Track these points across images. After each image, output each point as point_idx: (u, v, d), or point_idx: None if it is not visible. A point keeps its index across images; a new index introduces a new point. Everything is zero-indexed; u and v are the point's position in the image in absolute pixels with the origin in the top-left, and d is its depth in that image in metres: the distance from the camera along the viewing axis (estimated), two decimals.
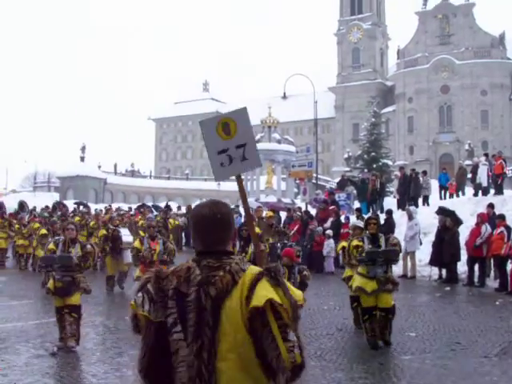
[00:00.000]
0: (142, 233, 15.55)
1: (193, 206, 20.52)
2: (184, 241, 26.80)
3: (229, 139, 3.75)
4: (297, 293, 2.95)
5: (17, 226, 22.14)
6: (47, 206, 28.91)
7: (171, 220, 22.31)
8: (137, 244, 11.78)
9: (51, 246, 9.96)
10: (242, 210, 27.63)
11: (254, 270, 2.77)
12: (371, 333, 9.28)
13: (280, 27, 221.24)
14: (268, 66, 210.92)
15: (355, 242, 9.99)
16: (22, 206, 28.58)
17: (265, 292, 2.63)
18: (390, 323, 9.43)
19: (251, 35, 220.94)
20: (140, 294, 2.82)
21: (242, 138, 3.75)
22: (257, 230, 13.79)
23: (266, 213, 16.92)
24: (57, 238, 10.64)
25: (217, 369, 2.66)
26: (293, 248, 10.57)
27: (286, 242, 13.26)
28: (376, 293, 9.20)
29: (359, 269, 9.58)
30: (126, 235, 16.43)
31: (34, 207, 28.77)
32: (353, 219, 16.78)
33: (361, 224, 10.99)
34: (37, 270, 12.04)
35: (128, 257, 14.61)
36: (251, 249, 11.07)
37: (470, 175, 27.77)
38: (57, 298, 9.44)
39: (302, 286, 9.45)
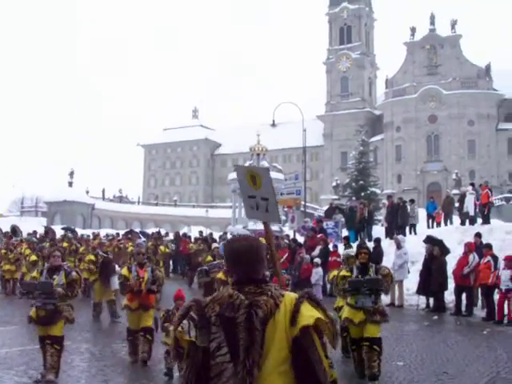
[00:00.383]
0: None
1: (181, 233, 20.21)
2: (171, 268, 26.71)
3: (256, 189, 4.32)
4: (332, 315, 3.18)
5: (3, 250, 21.92)
6: (35, 231, 28.68)
7: (161, 247, 21.97)
8: (124, 271, 10.98)
9: (35, 273, 9.70)
10: (229, 236, 27.77)
11: (292, 294, 3.12)
12: (359, 362, 9.24)
13: (270, 55, 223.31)
14: (257, 93, 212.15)
15: (343, 272, 9.83)
16: (14, 230, 28.31)
17: (311, 312, 2.98)
18: (378, 356, 9.02)
19: (241, 61, 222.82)
20: (185, 322, 3.08)
21: (264, 192, 4.29)
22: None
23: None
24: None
25: None
26: (282, 276, 10.38)
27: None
28: (363, 324, 9.09)
29: (348, 299, 9.46)
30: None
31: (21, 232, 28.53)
32: (343, 249, 16.51)
33: (354, 253, 10.75)
34: (18, 296, 11.65)
35: (115, 283, 14.34)
36: None
37: (457, 204, 27.90)
38: (39, 327, 9.13)
39: None
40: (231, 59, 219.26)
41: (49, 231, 29.00)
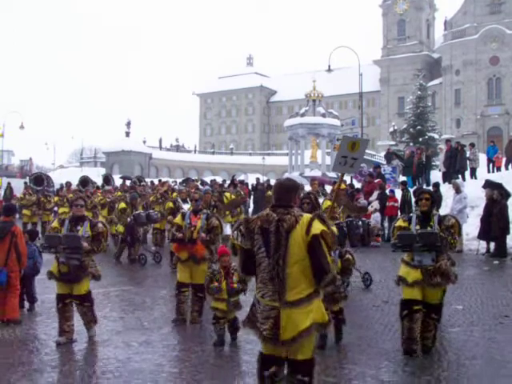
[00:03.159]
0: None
1: (238, 179, 20.23)
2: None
3: (351, 152, 5.96)
4: (334, 228, 5.34)
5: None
6: (108, 177, 29.27)
7: (227, 194, 21.04)
8: (178, 220, 9.89)
9: (55, 223, 8.61)
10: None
11: (308, 215, 4.78)
12: (408, 334, 7.47)
13: None
14: (313, 38, 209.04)
15: (399, 222, 7.92)
16: (107, 179, 29.09)
17: (319, 226, 4.65)
18: (434, 325, 7.66)
19: (295, 6, 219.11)
20: (235, 232, 5.42)
21: (357, 155, 5.94)
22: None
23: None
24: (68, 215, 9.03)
25: (286, 272, 4.66)
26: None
27: (363, 219, 12.93)
28: (419, 285, 7.46)
29: (405, 255, 7.81)
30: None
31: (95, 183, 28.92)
32: (401, 194, 15.29)
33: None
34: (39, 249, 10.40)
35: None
36: None
37: None
38: (61, 284, 8.26)
39: (345, 272, 8.42)
40: (286, 4, 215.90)
41: (110, 178, 29.47)
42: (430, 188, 19.70)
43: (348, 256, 8.44)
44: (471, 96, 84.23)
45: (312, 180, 19.07)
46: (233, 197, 20.48)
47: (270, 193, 18.31)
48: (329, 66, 43.51)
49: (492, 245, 17.16)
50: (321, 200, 14.77)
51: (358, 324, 9.22)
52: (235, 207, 19.05)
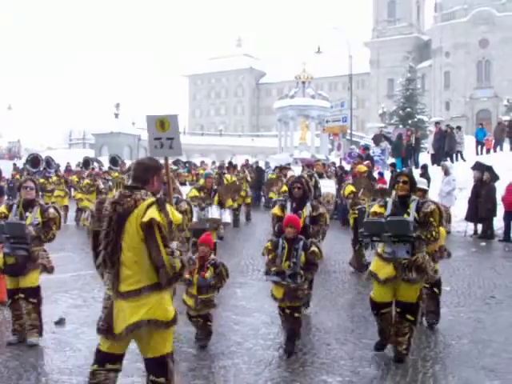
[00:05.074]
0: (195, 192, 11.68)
1: (226, 162, 19.81)
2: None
3: (163, 132, 5.46)
4: (176, 216, 4.67)
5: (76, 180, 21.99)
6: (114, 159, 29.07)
7: (227, 176, 20.32)
8: None
9: (2, 209, 7.61)
10: (272, 164, 27.37)
11: (150, 200, 4.35)
12: (381, 335, 6.83)
13: None
14: (303, 20, 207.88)
15: (375, 208, 6.92)
16: (116, 160, 28.87)
17: (151, 214, 4.24)
18: (410, 328, 6.65)
19: None
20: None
21: (171, 133, 5.44)
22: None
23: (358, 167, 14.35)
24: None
25: (120, 261, 4.36)
26: (297, 214, 7.96)
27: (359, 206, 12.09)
28: (392, 282, 6.55)
29: (379, 247, 6.77)
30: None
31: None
32: (389, 176, 13.86)
33: (423, 185, 8.21)
34: None
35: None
36: (306, 212, 8.19)
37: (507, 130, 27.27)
38: (8, 277, 7.40)
39: (310, 268, 7.07)
40: (264, 14, 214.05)
41: (88, 161, 29.07)
42: (418, 170, 19.77)
43: (314, 248, 7.04)
44: (460, 78, 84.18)
45: (316, 160, 18.82)
46: (233, 179, 19.91)
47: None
48: (318, 48, 43.51)
49: (479, 226, 17.28)
50: (323, 181, 14.44)
51: (346, 305, 9.32)
52: (234, 192, 18.41)
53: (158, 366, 4.44)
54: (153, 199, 4.34)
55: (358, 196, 12.25)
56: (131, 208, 4.31)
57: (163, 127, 5.46)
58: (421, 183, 8.12)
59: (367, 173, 13.54)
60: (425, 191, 8.10)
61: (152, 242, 4.24)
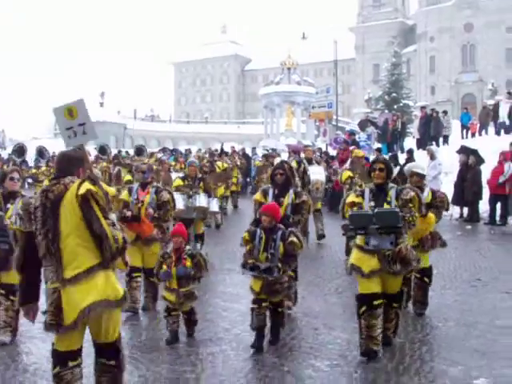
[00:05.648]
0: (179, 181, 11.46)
1: (213, 149, 19.24)
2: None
3: (73, 120, 5.19)
4: (109, 190, 4.77)
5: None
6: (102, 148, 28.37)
7: (219, 163, 19.50)
8: (124, 195, 8.60)
9: None
10: (260, 152, 27.29)
11: (80, 180, 4.23)
12: (367, 332, 6.17)
13: None
14: (288, 5, 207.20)
15: (351, 198, 6.56)
16: (41, 152, 28.35)
17: (86, 186, 4.12)
18: (396, 314, 6.58)
19: None
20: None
21: (81, 119, 5.17)
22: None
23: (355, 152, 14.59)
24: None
25: (60, 247, 4.18)
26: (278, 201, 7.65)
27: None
28: (377, 274, 6.19)
29: (357, 239, 6.36)
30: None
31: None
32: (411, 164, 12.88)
33: (420, 170, 8.08)
34: None
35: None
36: (288, 199, 7.87)
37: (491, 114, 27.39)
38: None
39: (288, 259, 6.66)
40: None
41: (43, 152, 28.70)
42: (404, 155, 19.80)
43: (292, 238, 6.54)
44: (445, 63, 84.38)
45: (305, 146, 18.72)
46: (225, 165, 19.61)
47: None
48: (303, 34, 43.43)
49: (465, 210, 17.37)
50: (313, 167, 14.28)
51: (333, 290, 9.35)
52: (223, 181, 18.04)
53: (110, 351, 4.40)
54: (83, 178, 4.27)
55: (354, 182, 12.21)
56: (62, 192, 4.21)
57: (72, 115, 5.19)
58: (418, 168, 7.99)
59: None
60: (422, 176, 7.96)
61: (91, 214, 4.13)
